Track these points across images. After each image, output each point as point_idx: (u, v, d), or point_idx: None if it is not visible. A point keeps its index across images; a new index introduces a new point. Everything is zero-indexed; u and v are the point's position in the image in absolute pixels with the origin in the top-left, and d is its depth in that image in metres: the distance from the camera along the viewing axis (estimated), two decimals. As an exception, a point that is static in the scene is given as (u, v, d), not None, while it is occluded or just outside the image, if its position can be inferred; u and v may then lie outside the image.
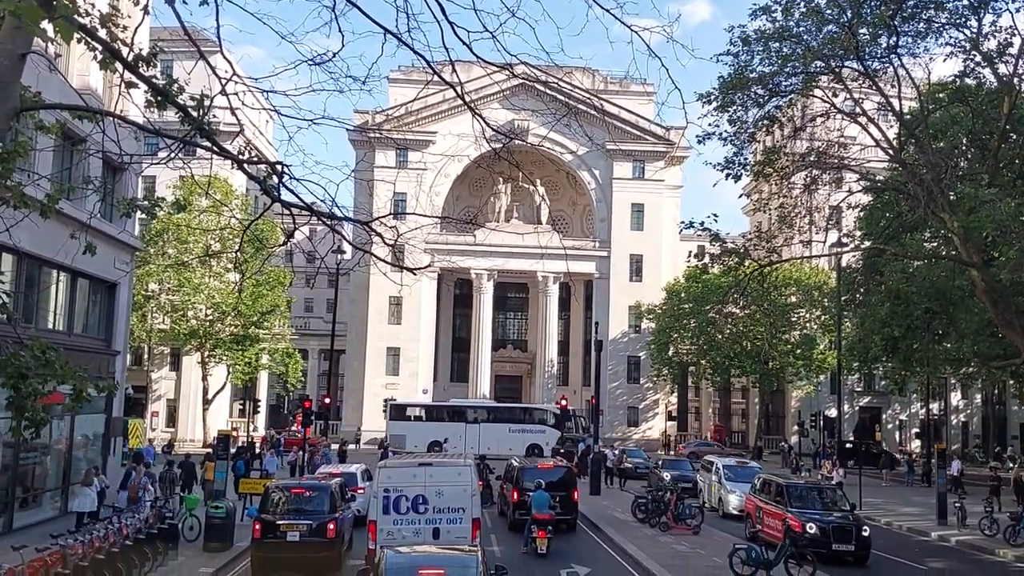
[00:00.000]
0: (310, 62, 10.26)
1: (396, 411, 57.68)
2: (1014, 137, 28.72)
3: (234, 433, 57.26)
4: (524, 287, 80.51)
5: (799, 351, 64.31)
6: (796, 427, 63.64)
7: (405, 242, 13.20)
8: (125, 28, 10.21)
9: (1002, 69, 25.33)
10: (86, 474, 24.42)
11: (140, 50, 9.76)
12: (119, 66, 9.92)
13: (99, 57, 9.62)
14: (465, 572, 11.63)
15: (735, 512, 29.33)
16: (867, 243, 35.88)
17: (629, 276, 73.14)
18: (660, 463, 40.76)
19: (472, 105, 11.59)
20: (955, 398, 71.67)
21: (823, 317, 63.72)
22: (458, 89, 11.32)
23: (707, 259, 29.26)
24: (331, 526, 19.30)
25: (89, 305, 27.53)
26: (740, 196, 74.19)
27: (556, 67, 11.81)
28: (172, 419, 66.34)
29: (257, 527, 19.34)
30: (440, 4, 9.49)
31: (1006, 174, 26.96)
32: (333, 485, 21.70)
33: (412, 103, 67.14)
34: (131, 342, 51.48)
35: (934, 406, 64.67)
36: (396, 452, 43.32)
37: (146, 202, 11.95)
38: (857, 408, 71.05)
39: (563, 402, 58.97)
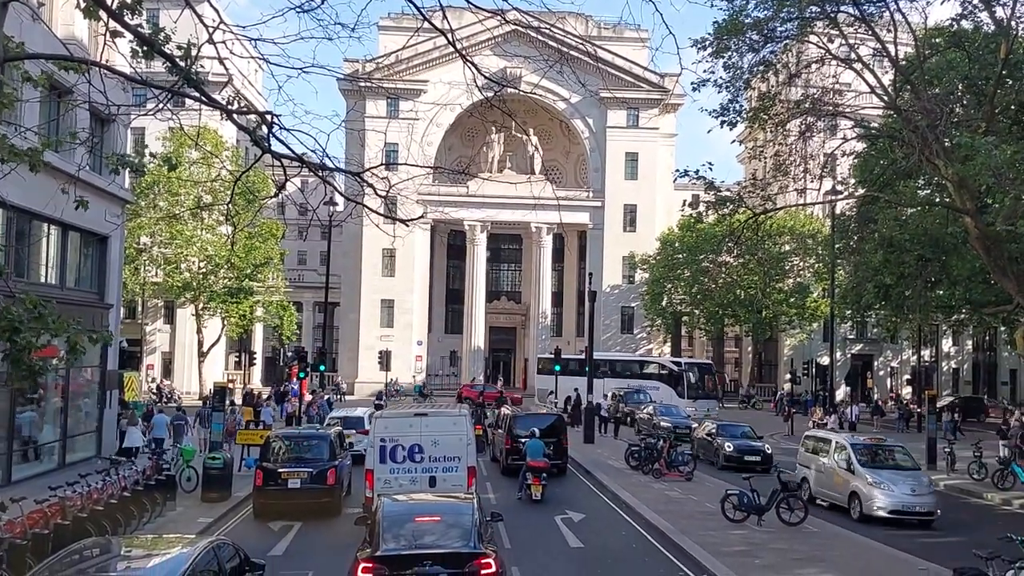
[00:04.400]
0: (298, 9, 10.08)
1: (543, 364, 57.94)
2: (1010, 83, 28.48)
3: (230, 385, 57.65)
4: (518, 238, 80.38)
5: (792, 299, 64.58)
6: (788, 375, 64.13)
7: (397, 193, 13.09)
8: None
9: (999, 13, 25.03)
10: (131, 415, 28.69)
11: (124, -2, 9.55)
12: (104, 15, 9.74)
13: (83, 5, 9.43)
14: (460, 519, 11.81)
15: (886, 515, 20.95)
16: (861, 191, 35.76)
17: (623, 226, 73.01)
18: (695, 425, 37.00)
19: (463, 52, 11.41)
20: (946, 345, 72.22)
21: (817, 265, 63.88)
22: (449, 36, 11.13)
23: (702, 207, 29.14)
24: (330, 473, 20.05)
25: (81, 258, 27.44)
26: (734, 143, 73.76)
27: (548, 13, 11.61)
28: (168, 372, 66.59)
29: (259, 475, 20.09)
30: (429, -53, 9.30)
31: (1002, 120, 26.77)
32: (332, 434, 22.34)
33: (403, 51, 66.28)
34: (124, 295, 51.52)
35: (925, 353, 65.17)
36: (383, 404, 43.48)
37: (135, 158, 11.84)
38: (849, 356, 71.60)
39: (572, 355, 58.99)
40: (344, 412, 34.40)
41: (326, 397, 46.63)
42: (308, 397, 42.74)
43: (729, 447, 30.16)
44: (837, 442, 23.57)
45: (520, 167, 73.73)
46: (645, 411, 42.42)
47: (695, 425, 36.41)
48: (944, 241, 30.52)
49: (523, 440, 25.35)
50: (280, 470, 20.11)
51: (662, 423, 37.95)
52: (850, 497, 21.86)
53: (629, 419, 44.99)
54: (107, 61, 14.07)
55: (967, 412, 55.65)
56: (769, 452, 30.12)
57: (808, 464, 24.42)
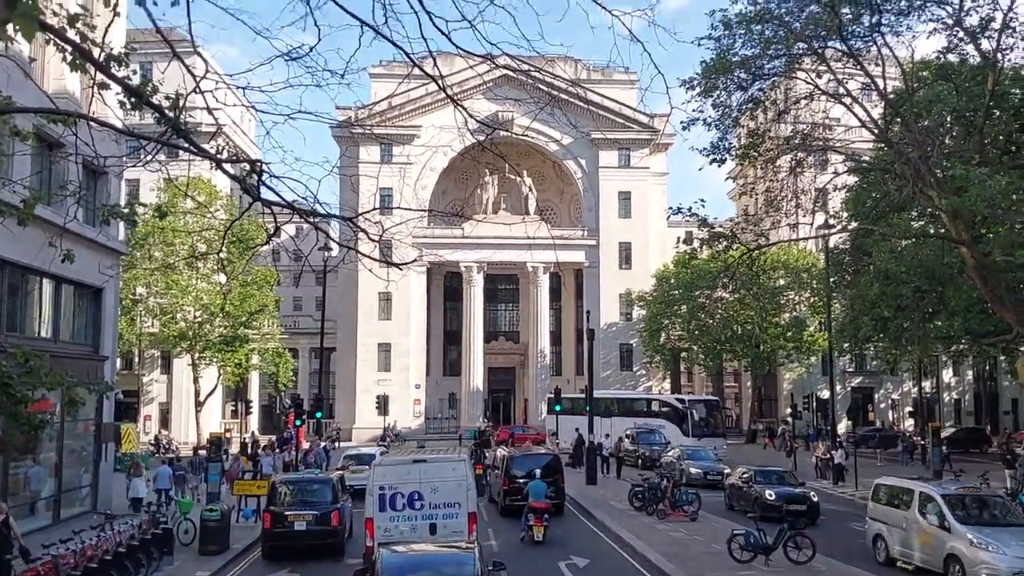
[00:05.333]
0: (286, 57, 10.06)
1: (565, 403, 56.86)
2: (997, 113, 28.67)
3: (226, 435, 57.21)
4: (514, 278, 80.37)
5: (789, 333, 64.44)
6: (789, 409, 63.79)
7: (391, 237, 13.02)
8: (94, 28, 10.01)
9: (985, 45, 25.25)
10: (135, 466, 28.44)
11: (111, 50, 9.55)
12: (91, 68, 9.72)
13: (69, 58, 9.40)
14: (461, 570, 11.57)
15: None
16: (854, 224, 35.84)
17: (619, 264, 73.10)
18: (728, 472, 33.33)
19: (455, 97, 11.40)
20: (947, 376, 71.96)
21: (812, 299, 63.84)
22: (440, 82, 11.13)
23: (696, 244, 29.11)
24: (334, 515, 21.24)
25: (75, 311, 27.27)
26: (726, 179, 74.22)
27: (538, 57, 11.64)
28: (165, 422, 66.10)
29: (267, 518, 21.37)
30: (417, -7, 9.29)
31: (991, 151, 26.91)
32: (334, 478, 23.75)
33: (394, 97, 66.80)
34: (121, 346, 51.27)
35: (926, 384, 64.92)
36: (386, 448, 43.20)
37: (126, 209, 11.78)
38: (849, 389, 71.27)
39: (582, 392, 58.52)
40: (357, 450, 37.65)
41: (323, 445, 46.19)
42: (305, 445, 42.43)
43: (770, 495, 26.58)
44: (923, 493, 19.63)
45: (515, 208, 73.96)
46: (670, 454, 38.89)
47: (727, 470, 33.63)
48: (940, 272, 30.54)
49: (521, 480, 26.10)
50: (287, 513, 21.20)
51: (691, 469, 35.52)
52: (947, 562, 18.02)
53: (641, 462, 42.40)
54: (96, 113, 14.08)
55: (969, 443, 55.32)
56: (815, 500, 26.88)
57: (883, 519, 20.78)
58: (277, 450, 43.59)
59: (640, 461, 42.33)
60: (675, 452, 38.64)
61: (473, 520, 17.61)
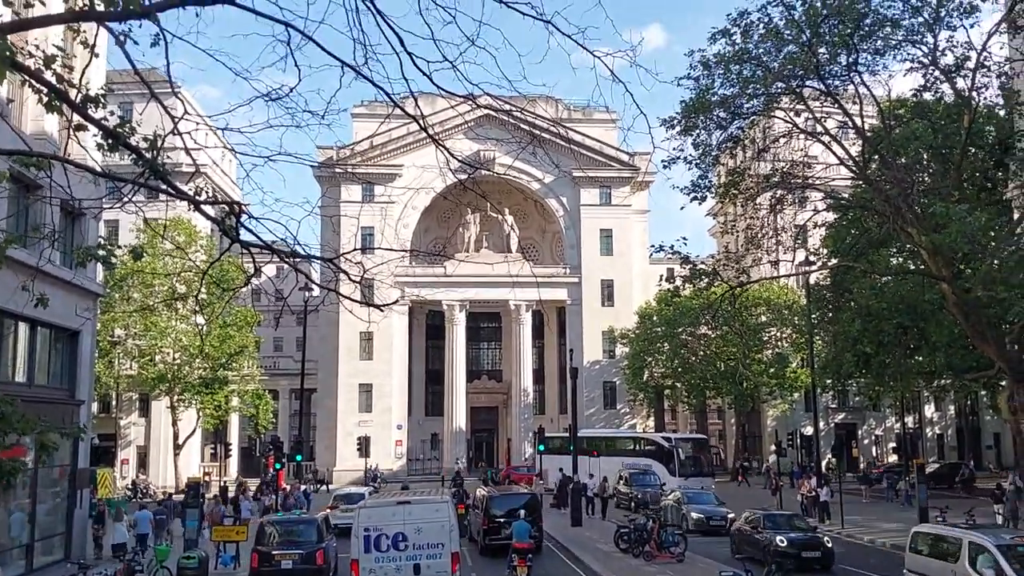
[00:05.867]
0: (266, 98, 9.96)
1: (549, 443, 55.80)
2: (973, 151, 29.07)
3: (205, 478, 56.30)
4: (497, 316, 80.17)
5: (772, 370, 64.45)
6: (773, 446, 63.57)
7: (373, 277, 12.87)
8: (72, 69, 9.89)
9: (960, 83, 25.65)
10: (116, 512, 29.30)
11: (88, 91, 9.43)
12: (67, 109, 9.59)
13: (45, 100, 9.27)
14: None
15: None
16: (834, 261, 36.05)
17: (601, 301, 73.10)
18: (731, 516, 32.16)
19: (436, 137, 11.37)
20: (929, 411, 72.14)
21: (795, 335, 63.96)
22: (421, 122, 11.08)
23: (679, 281, 29.14)
24: (319, 554, 22.10)
25: (51, 354, 26.84)
26: (707, 216, 74.68)
27: (519, 97, 11.63)
28: (143, 465, 65.00)
29: (255, 557, 22.08)
30: (398, 35, 9.25)
31: (968, 188, 27.24)
32: (319, 518, 24.82)
33: (376, 137, 67.01)
34: (98, 389, 50.58)
35: (909, 420, 65.03)
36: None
37: (101, 251, 11.56)
38: (833, 425, 71.24)
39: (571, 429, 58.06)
40: (346, 491, 39.15)
41: (303, 488, 45.55)
42: (286, 488, 41.83)
43: (782, 542, 24.47)
44: (973, 543, 17.35)
45: (497, 246, 74.01)
46: (670, 498, 36.79)
47: (731, 514, 32.14)
48: (922, 308, 30.66)
49: (500, 520, 26.97)
50: (274, 552, 22.06)
51: (692, 514, 33.62)
52: None
53: (634, 504, 39.61)
54: (73, 155, 13.90)
55: (953, 478, 55.22)
56: (830, 546, 25.05)
57: (924, 571, 18.70)
58: (265, 492, 42.98)
59: (633, 504, 39.77)
60: (675, 495, 36.49)
61: (456, 560, 17.96)
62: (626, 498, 41.74)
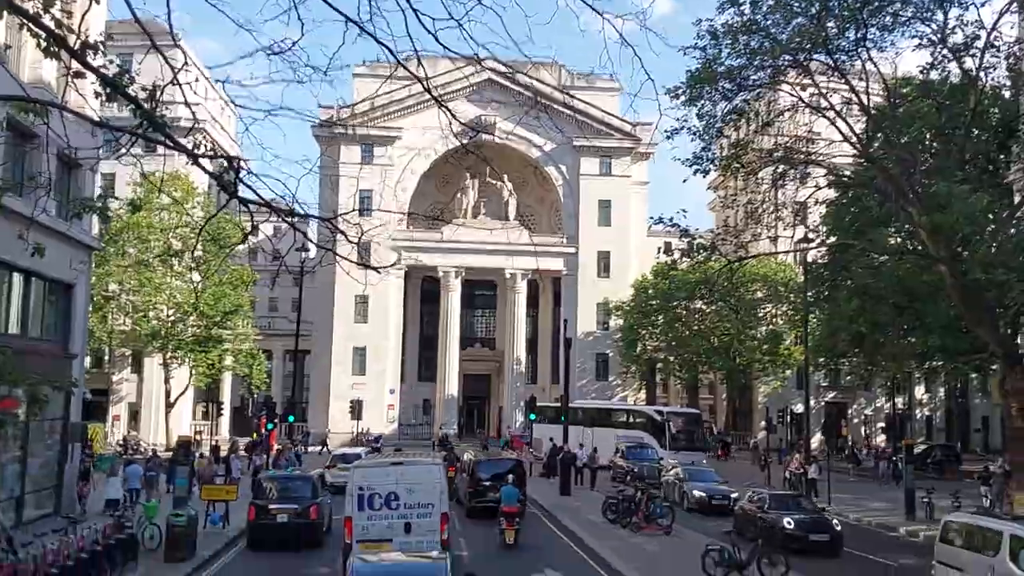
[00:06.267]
0: (268, 51, 9.81)
1: (541, 412, 56.02)
2: (976, 132, 28.86)
3: (197, 437, 56.41)
4: (492, 284, 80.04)
5: (766, 347, 64.59)
6: (763, 423, 63.87)
7: (370, 239, 12.79)
8: (71, 15, 9.69)
9: (968, 63, 25.39)
10: (111, 468, 29.87)
11: (87, 37, 9.23)
12: (67, 56, 9.41)
13: (43, 44, 9.08)
14: None
15: None
16: (833, 239, 35.92)
17: (597, 272, 72.98)
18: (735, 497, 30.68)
19: (439, 98, 11.17)
20: (919, 392, 72.47)
21: (790, 312, 64.04)
22: (424, 82, 10.90)
23: (677, 254, 28.98)
24: (313, 509, 23.24)
25: (45, 307, 26.67)
26: (708, 189, 74.38)
27: (524, 62, 11.45)
28: (134, 422, 65.10)
29: (252, 510, 23.32)
30: (404, -10, 9.07)
31: (970, 169, 27.07)
32: (314, 476, 26.17)
33: (377, 98, 66.38)
34: (91, 344, 50.40)
35: (899, 400, 65.33)
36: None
37: (98, 202, 11.41)
38: (823, 403, 71.56)
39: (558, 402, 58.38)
40: (343, 451, 40.90)
41: (294, 450, 45.62)
42: (277, 448, 41.96)
43: (789, 524, 23.51)
44: (1016, 536, 15.71)
45: (494, 213, 73.71)
46: (671, 474, 35.78)
47: (735, 493, 31.16)
48: (918, 289, 30.60)
49: (486, 483, 28.49)
50: (270, 506, 23.22)
51: (694, 492, 32.40)
52: None
53: (630, 478, 36.92)
54: (71, 103, 13.68)
55: (940, 461, 55.57)
56: (839, 529, 24.20)
57: (957, 564, 17.13)
58: (252, 455, 43.06)
59: (629, 477, 37.71)
60: (676, 472, 35.32)
61: (445, 520, 18.45)
62: (622, 471, 40.55)
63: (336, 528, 22.11)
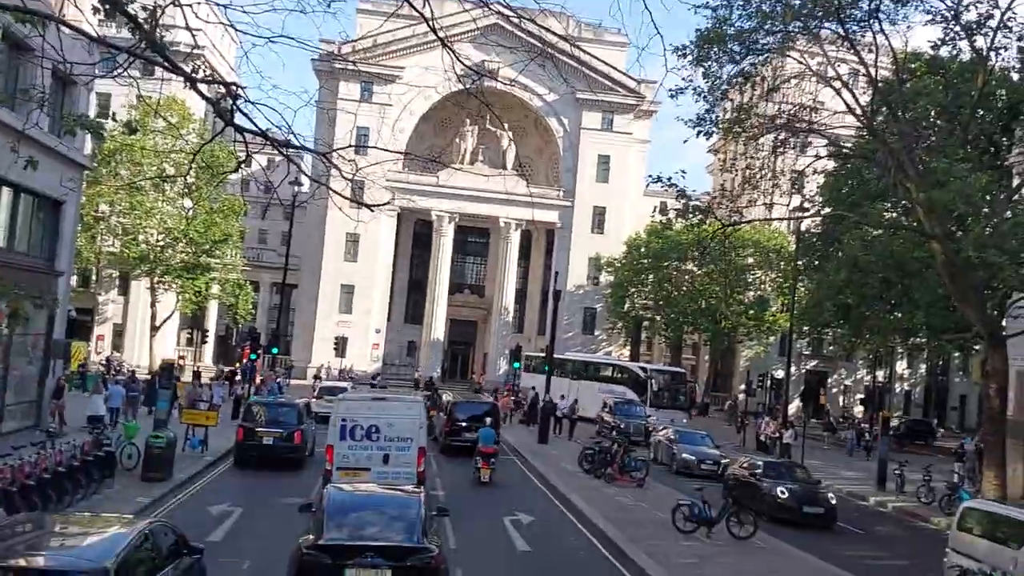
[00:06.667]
0: (272, -24, 9.60)
1: (529, 361, 56.05)
2: (981, 112, 28.72)
3: (180, 362, 56.57)
4: (485, 232, 79.91)
5: (752, 311, 64.94)
6: (743, 386, 64.47)
7: (365, 177, 12.68)
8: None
9: (979, 42, 25.15)
10: (96, 385, 30.89)
11: (87, -51, 9.04)
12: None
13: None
14: (406, 512, 11.82)
15: None
16: (828, 210, 35.88)
17: (591, 228, 72.93)
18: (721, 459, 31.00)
19: (444, 39, 11.00)
20: (900, 367, 73.17)
21: (779, 279, 64.29)
22: (430, 22, 10.72)
23: (672, 215, 28.92)
24: (297, 435, 25.12)
25: (33, 223, 26.52)
26: (709, 151, 74.09)
27: (532, 10, 11.26)
28: (118, 344, 65.22)
29: (240, 432, 25.21)
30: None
31: (971, 150, 26.98)
32: (300, 404, 27.79)
33: (380, 35, 65.49)
34: (79, 263, 50.27)
35: (879, 374, 65.98)
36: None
37: (92, 119, 11.27)
38: (804, 371, 72.21)
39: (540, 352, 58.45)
40: (330, 384, 43.33)
41: (277, 380, 45.90)
42: (259, 378, 42.15)
43: (783, 493, 23.11)
44: None
45: (492, 161, 73.27)
46: (662, 434, 34.96)
47: (725, 460, 30.76)
48: (909, 265, 30.67)
49: (462, 423, 30.37)
50: (258, 430, 25.02)
51: (683, 454, 31.59)
52: None
53: (615, 431, 35.59)
54: (68, 19, 13.44)
55: (915, 435, 56.33)
56: (834, 503, 23.48)
57: (975, 555, 15.71)
58: (233, 383, 43.31)
59: (615, 432, 35.39)
60: (666, 433, 34.59)
61: (422, 454, 19.52)
62: (608, 426, 39.28)
63: (319, 455, 22.96)
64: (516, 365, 49.50)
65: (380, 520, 11.69)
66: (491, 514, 20.53)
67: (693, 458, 31.34)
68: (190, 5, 9.43)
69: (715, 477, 28.32)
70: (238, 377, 44.16)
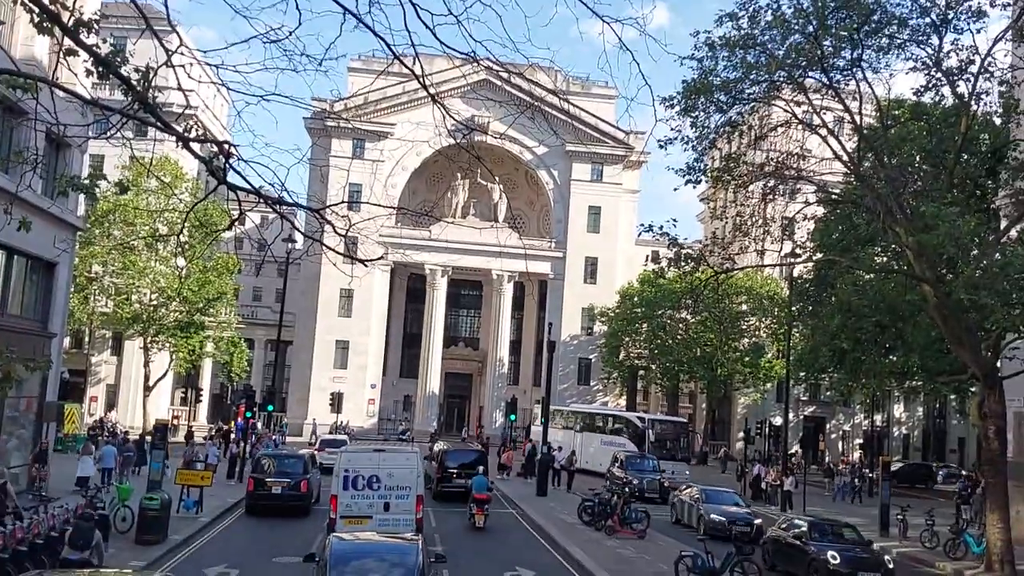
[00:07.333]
0: (263, 38, 9.76)
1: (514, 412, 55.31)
2: (966, 157, 29.03)
3: (174, 422, 56.13)
4: (478, 284, 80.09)
5: (747, 359, 64.84)
6: (742, 434, 64.11)
7: (358, 233, 12.73)
8: (66, -9, 9.60)
9: (961, 88, 25.53)
10: (84, 446, 31.68)
11: (81, 15, 9.17)
12: (59, 32, 9.34)
13: (36, 20, 9.02)
14: (405, 559, 12.24)
15: None
16: (819, 255, 36.00)
17: (584, 278, 73.18)
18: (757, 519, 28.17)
19: (434, 94, 11.15)
20: (897, 410, 72.93)
21: (773, 326, 64.30)
22: (421, 78, 10.86)
23: (664, 263, 29.02)
24: (303, 484, 27.11)
25: (26, 284, 26.54)
26: (700, 199, 74.68)
27: (520, 65, 11.45)
28: (112, 405, 64.71)
29: (251, 482, 27.40)
30: (404, -16, 9.05)
31: (958, 193, 27.23)
32: (306, 455, 30.28)
33: (371, 92, 66.24)
34: (72, 324, 50.08)
35: (877, 418, 65.72)
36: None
37: (84, 180, 11.32)
38: (802, 417, 71.89)
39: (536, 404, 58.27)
40: (331, 438, 45.29)
41: (273, 438, 45.51)
42: (255, 436, 41.84)
43: (834, 558, 20.68)
44: None
45: (484, 215, 73.73)
46: (686, 493, 31.64)
47: (758, 520, 27.98)
48: (901, 308, 30.71)
49: (452, 470, 32.75)
50: (267, 480, 27.08)
51: (712, 515, 28.09)
52: None
53: (628, 491, 32.21)
54: (62, 82, 13.58)
55: (915, 479, 55.96)
56: (892, 567, 21.26)
57: None
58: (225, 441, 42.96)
59: (627, 491, 32.09)
60: (690, 492, 31.32)
61: (420, 502, 20.47)
62: (619, 483, 35.87)
63: (324, 502, 24.13)
64: (512, 418, 49.20)
65: (380, 567, 12.13)
66: (493, 570, 20.29)
67: (723, 519, 27.70)
68: (183, 66, 9.54)
69: (750, 539, 24.74)
70: (233, 436, 43.77)
